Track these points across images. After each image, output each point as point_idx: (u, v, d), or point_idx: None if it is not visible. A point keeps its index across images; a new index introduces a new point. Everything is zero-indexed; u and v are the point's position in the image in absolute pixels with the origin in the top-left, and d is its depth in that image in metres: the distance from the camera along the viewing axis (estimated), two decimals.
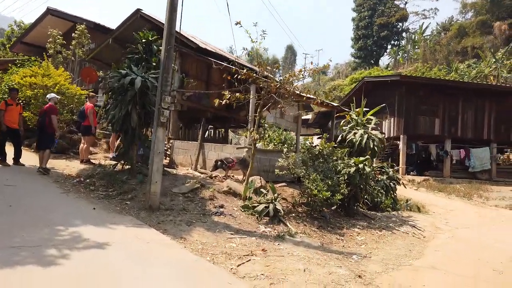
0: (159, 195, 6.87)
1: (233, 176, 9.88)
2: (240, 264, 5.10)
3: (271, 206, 7.25)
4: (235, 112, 14.19)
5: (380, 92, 21.25)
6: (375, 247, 6.70)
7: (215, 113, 13.42)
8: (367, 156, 7.94)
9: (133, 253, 4.67)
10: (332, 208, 8.26)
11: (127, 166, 8.68)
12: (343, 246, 6.67)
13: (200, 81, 13.39)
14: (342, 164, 8.45)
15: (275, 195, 7.66)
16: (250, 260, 5.29)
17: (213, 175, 9.44)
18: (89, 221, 5.65)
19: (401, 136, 20.01)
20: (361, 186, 8.04)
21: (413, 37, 54.25)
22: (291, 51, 78.73)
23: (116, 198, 7.28)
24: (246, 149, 9.76)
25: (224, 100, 8.15)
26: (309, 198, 7.60)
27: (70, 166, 9.66)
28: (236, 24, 8.17)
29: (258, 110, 8.33)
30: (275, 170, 10.53)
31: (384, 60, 57.21)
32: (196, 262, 4.77)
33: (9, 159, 9.15)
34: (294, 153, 7.81)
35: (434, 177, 18.98)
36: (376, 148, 8.23)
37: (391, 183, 9.46)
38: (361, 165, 7.79)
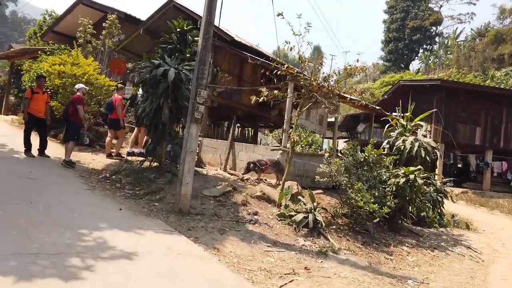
0: (190, 197, 6.28)
1: (265, 180, 9.23)
2: (282, 286, 4.44)
3: (310, 216, 6.56)
4: (267, 111, 13.54)
5: (417, 97, 20.14)
6: (430, 271, 5.91)
7: (246, 111, 12.81)
8: (419, 166, 7.14)
9: (164, 267, 4.07)
10: (374, 221, 7.48)
11: (155, 164, 8.15)
12: (394, 267, 5.91)
13: (232, 77, 12.80)
14: (387, 174, 7.67)
15: (315, 204, 6.96)
16: (293, 280, 4.63)
17: (245, 178, 8.81)
18: (115, 224, 5.11)
19: (439, 145, 18.89)
20: (411, 199, 7.24)
21: (446, 42, 52.26)
22: (317, 52, 77.52)
23: (143, 198, 6.74)
24: (281, 151, 9.09)
25: (262, 97, 7.52)
26: (352, 210, 6.85)
27: (96, 160, 9.22)
28: (278, 15, 7.51)
29: (298, 109, 7.64)
30: (310, 175, 9.82)
31: (414, 65, 55.37)
32: (234, 282, 4.13)
33: (34, 150, 8.78)
34: (337, 159, 7.08)
35: (472, 190, 17.81)
36: (427, 157, 7.42)
37: (438, 196, 8.59)
38: (411, 176, 7.00)
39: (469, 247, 7.15)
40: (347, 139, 28.90)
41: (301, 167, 9.61)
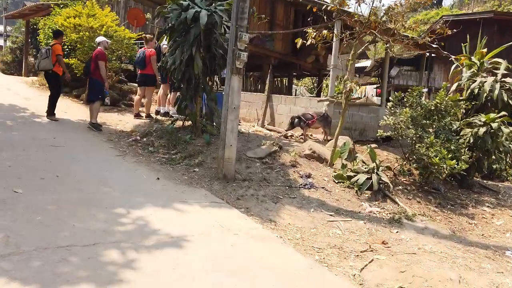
0: (235, 161, 5.44)
1: (311, 136, 8.27)
2: (363, 268, 3.62)
3: (374, 177, 5.63)
4: (302, 57, 12.28)
5: (461, 35, 18.16)
6: None
7: (280, 59, 11.60)
8: (503, 112, 5.97)
9: (223, 256, 3.28)
10: (441, 178, 6.48)
11: (188, 123, 7.30)
12: (482, 235, 5.00)
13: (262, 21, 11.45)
14: (457, 123, 6.54)
15: (377, 162, 6.00)
16: (373, 260, 3.80)
17: (288, 134, 7.88)
18: (155, 199, 4.35)
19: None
20: (489, 151, 6.15)
21: None
22: None
23: (181, 163, 5.95)
24: (327, 102, 8.01)
25: (309, 40, 6.37)
26: (422, 167, 5.86)
27: (123, 121, 8.46)
28: None
29: (352, 52, 6.45)
30: (359, 127, 8.79)
31: (446, 1, 50.79)
32: (311, 271, 3.32)
33: (59, 113, 8.06)
34: (406, 108, 5.96)
35: None
36: (510, 101, 6.20)
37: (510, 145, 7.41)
38: (494, 125, 5.86)
39: None
40: (377, 85, 27.20)
41: (349, 119, 8.55)
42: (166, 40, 7.38)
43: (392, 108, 6.23)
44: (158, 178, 5.15)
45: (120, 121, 8.52)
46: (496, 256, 4.31)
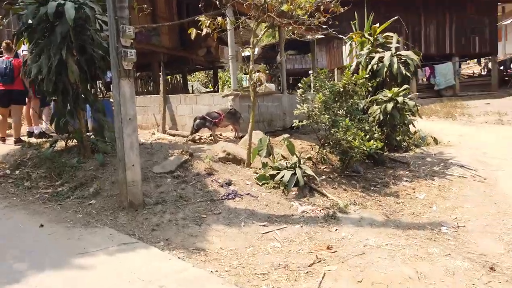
0: (141, 183, 4.49)
1: (221, 135, 7.57)
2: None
3: (298, 171, 5.21)
4: (193, 51, 11.41)
5: (347, 15, 19.23)
6: (450, 207, 5.06)
7: (169, 54, 10.56)
8: (405, 86, 6.05)
9: None
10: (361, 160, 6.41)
11: (73, 142, 6.01)
12: (413, 213, 4.93)
13: (143, 14, 10.25)
14: (363, 101, 6.52)
15: (296, 154, 5.61)
16: (325, 274, 3.33)
17: (196, 138, 7.06)
18: (40, 258, 3.23)
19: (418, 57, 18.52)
20: (397, 126, 6.23)
21: None
22: None
23: (71, 196, 4.75)
24: (232, 96, 7.38)
25: (204, 29, 5.63)
26: (341, 152, 5.63)
27: None
28: None
29: (252, 38, 5.89)
30: (266, 118, 8.41)
31: None
32: None
33: None
34: (320, 94, 5.62)
35: None
36: (408, 74, 6.34)
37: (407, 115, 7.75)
38: (400, 99, 5.90)
39: (462, 166, 6.50)
40: (268, 72, 27.69)
41: (257, 110, 8.07)
42: (25, 44, 5.88)
43: (303, 95, 5.87)
44: (42, 225, 3.94)
45: None
46: (435, 235, 4.22)
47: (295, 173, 5.21)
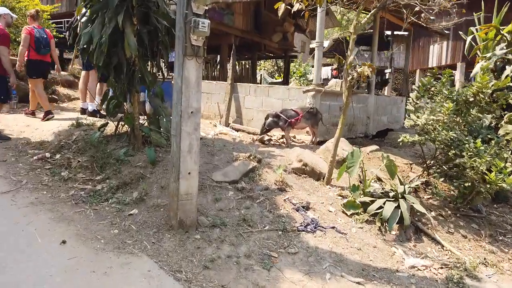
0: (196, 197, 3.39)
1: (294, 138, 6.32)
2: None
3: (403, 205, 3.83)
4: (267, 35, 10.23)
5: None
6: None
7: (241, 37, 9.46)
8: None
9: None
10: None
11: (124, 128, 5.11)
12: None
13: None
14: (489, 117, 4.91)
15: (398, 178, 4.22)
16: None
17: (265, 139, 5.87)
18: None
19: (458, 64, 16.18)
20: None
21: None
22: None
23: (110, 199, 3.78)
24: (313, 92, 6.08)
25: (297, 5, 4.38)
26: (465, 185, 4.14)
27: (31, 127, 6.01)
28: None
29: (354, 22, 4.54)
30: (347, 121, 7.02)
31: None
32: None
33: None
34: (449, 102, 4.14)
35: None
36: None
37: None
38: None
39: None
40: (335, 67, 25.80)
41: (337, 111, 6.73)
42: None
43: (417, 101, 4.43)
44: (64, 241, 2.97)
45: (28, 126, 6.05)
46: None
47: (398, 206, 3.84)
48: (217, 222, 3.44)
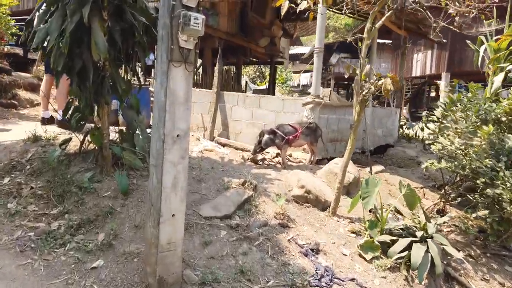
0: (181, 247, 2.59)
1: (290, 157, 5.59)
2: None
3: (433, 247, 3.16)
4: (254, 39, 9.52)
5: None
6: None
7: (227, 40, 8.68)
8: None
9: None
10: None
11: (91, 145, 4.23)
12: None
13: None
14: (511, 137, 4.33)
15: (421, 209, 3.56)
16: None
17: (258, 158, 5.10)
18: None
19: (443, 74, 15.98)
20: None
21: None
22: None
23: (67, 244, 2.92)
24: (311, 105, 5.37)
25: (304, 3, 3.72)
26: (498, 221, 3.51)
27: None
28: None
29: (368, 25, 3.88)
30: (345, 137, 6.37)
31: None
32: None
33: None
34: (489, 125, 3.49)
35: None
36: None
37: None
38: None
39: None
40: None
41: (335, 125, 6.06)
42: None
43: (442, 121, 3.78)
44: None
45: None
46: None
47: (427, 249, 3.17)
48: (208, 278, 2.65)
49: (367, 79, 3.64)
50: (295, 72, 32.33)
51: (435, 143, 3.75)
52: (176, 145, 2.43)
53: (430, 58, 16.76)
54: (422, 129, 10.24)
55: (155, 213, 2.48)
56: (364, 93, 3.58)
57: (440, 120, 3.89)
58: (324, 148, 5.52)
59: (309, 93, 5.55)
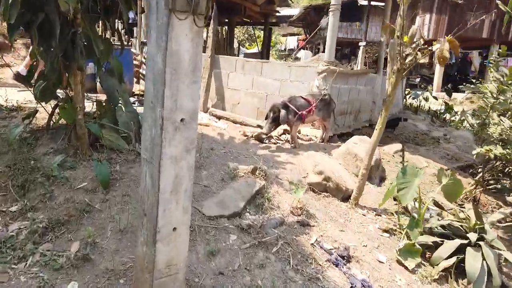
0: (185, 265, 1.92)
1: (299, 134, 4.88)
2: None
3: (489, 255, 2.60)
4: None
5: None
6: None
7: None
8: None
9: None
10: None
11: (63, 120, 3.42)
12: None
13: None
14: None
15: (478, 211, 2.97)
16: None
17: (263, 136, 4.36)
18: None
19: (441, 40, 15.25)
20: None
21: None
22: None
23: (29, 257, 2.20)
24: (324, 74, 4.61)
25: None
26: None
27: None
28: None
29: None
30: (355, 109, 5.73)
31: None
32: None
33: None
34: None
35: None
36: None
37: None
38: None
39: None
40: (303, 37, 24.19)
41: (346, 96, 5.36)
42: None
43: (500, 95, 3.12)
44: None
45: None
46: None
47: (482, 256, 2.60)
48: None
49: (411, 43, 2.91)
50: (283, 36, 31.10)
51: (490, 126, 3.11)
52: (179, 134, 1.69)
53: (428, 22, 15.97)
54: (426, 99, 9.67)
55: (149, 226, 1.78)
56: (407, 60, 2.86)
57: (496, 95, 3.24)
58: (335, 123, 4.85)
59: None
